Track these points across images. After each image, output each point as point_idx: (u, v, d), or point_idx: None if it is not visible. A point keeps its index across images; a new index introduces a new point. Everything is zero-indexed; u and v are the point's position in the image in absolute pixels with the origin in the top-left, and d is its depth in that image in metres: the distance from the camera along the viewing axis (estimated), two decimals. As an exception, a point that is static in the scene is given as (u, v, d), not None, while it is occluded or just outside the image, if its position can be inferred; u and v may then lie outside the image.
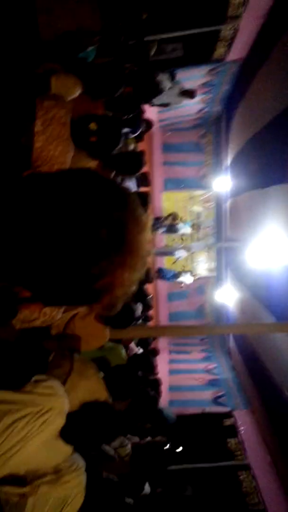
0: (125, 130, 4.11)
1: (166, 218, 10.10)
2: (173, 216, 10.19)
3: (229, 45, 6.31)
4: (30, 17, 2.52)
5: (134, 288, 0.81)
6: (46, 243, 0.75)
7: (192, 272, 10.44)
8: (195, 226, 10.39)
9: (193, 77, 7.31)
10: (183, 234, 10.49)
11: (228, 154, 9.21)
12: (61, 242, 0.74)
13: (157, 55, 5.41)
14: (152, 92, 5.08)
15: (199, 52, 6.51)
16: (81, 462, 2.13)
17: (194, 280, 10.49)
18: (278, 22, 5.07)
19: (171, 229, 10.13)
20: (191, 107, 8.90)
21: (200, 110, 9.29)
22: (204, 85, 7.72)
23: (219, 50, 6.55)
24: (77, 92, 2.43)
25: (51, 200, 0.77)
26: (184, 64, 6.42)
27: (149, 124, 6.16)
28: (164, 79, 5.49)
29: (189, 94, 6.66)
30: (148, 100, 5.52)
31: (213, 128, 10.45)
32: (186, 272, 10.34)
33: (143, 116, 5.51)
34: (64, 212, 0.75)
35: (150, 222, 0.82)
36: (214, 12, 5.39)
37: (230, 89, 8.18)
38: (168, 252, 10.32)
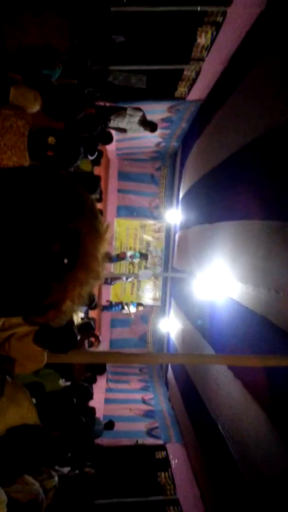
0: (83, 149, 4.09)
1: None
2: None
3: (191, 86, 6.64)
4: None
5: (83, 301, 0.76)
6: None
7: (136, 303, 10.53)
8: (143, 256, 10.57)
9: (153, 111, 7.56)
10: (131, 263, 10.61)
11: (180, 188, 9.50)
12: (8, 256, 0.67)
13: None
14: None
15: (161, 88, 6.77)
16: (2, 496, 1.97)
17: (138, 310, 10.57)
18: (238, 69, 5.39)
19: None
20: (149, 139, 9.17)
21: (158, 144, 9.59)
22: (164, 120, 8.01)
23: (181, 89, 6.87)
24: (36, 107, 2.39)
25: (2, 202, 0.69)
26: (146, 97, 6.62)
27: (108, 136, 5.96)
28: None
29: (150, 126, 6.49)
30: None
31: (169, 162, 10.81)
32: (131, 303, 10.43)
33: (102, 133, 5.41)
34: (15, 220, 0.67)
35: (107, 231, 0.77)
36: (179, 52, 5.65)
37: (187, 128, 8.53)
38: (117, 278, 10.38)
